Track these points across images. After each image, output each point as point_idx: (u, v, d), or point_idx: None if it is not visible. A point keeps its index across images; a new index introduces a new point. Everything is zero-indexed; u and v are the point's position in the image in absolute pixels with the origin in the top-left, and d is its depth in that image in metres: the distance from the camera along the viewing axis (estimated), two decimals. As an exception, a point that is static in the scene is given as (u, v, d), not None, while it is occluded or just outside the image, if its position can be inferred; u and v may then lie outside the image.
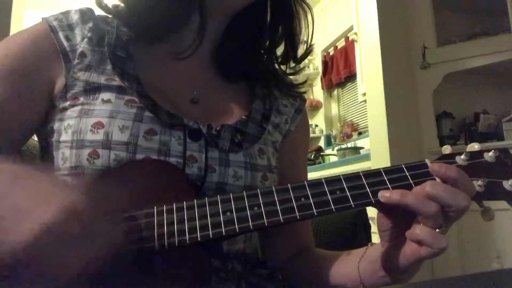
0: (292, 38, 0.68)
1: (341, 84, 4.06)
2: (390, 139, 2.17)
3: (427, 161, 0.48)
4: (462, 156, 0.48)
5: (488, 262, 1.94)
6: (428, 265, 2.05)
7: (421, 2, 2.36)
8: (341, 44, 3.96)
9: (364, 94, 2.86)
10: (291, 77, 0.73)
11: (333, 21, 4.03)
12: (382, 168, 0.47)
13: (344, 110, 4.11)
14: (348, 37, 3.81)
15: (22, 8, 2.39)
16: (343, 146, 3.51)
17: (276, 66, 0.70)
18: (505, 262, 1.89)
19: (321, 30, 4.25)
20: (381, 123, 2.23)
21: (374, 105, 2.34)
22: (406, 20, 2.37)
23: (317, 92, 4.38)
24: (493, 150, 0.48)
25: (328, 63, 4.15)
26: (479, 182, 0.45)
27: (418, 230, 0.43)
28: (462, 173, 0.45)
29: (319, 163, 3.57)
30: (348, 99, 4.02)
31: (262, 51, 0.70)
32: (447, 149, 0.50)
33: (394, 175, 0.46)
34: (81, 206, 0.36)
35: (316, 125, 4.27)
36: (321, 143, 4.06)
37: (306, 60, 4.39)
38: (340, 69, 3.90)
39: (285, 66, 0.71)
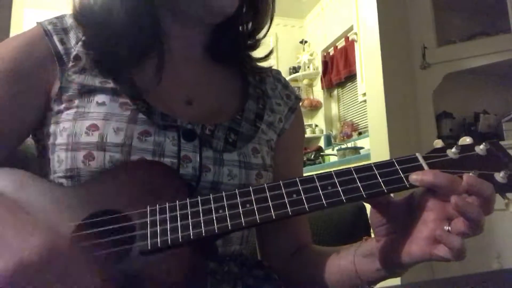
0: (257, 9, 0.67)
1: (341, 84, 4.06)
2: (390, 139, 2.17)
3: (417, 155, 0.48)
4: (453, 150, 0.48)
5: (488, 262, 1.94)
6: (428, 265, 2.04)
7: (421, 2, 2.36)
8: (341, 44, 3.96)
9: (364, 94, 2.87)
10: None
11: (333, 21, 4.03)
12: (373, 163, 0.47)
13: (344, 110, 4.11)
14: (348, 37, 3.81)
15: (22, 8, 2.39)
16: (343, 146, 3.51)
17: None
18: (505, 262, 1.89)
19: (321, 30, 4.25)
20: (381, 123, 2.23)
21: (374, 105, 2.34)
22: (406, 20, 2.37)
23: (317, 92, 4.38)
24: (484, 143, 0.48)
25: (328, 63, 4.15)
26: (470, 175, 0.44)
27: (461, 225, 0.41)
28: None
29: (319, 163, 3.57)
30: (348, 99, 4.02)
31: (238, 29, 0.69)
32: (438, 143, 0.50)
33: (385, 170, 0.46)
34: (63, 246, 0.36)
35: (316, 125, 4.26)
36: (321, 143, 4.06)
37: (306, 60, 4.41)
38: (340, 69, 3.90)
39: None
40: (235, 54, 0.69)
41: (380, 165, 0.47)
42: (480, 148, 0.48)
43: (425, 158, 0.47)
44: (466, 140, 0.49)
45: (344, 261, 0.56)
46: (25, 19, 2.43)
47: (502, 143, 0.49)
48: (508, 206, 0.45)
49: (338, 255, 0.58)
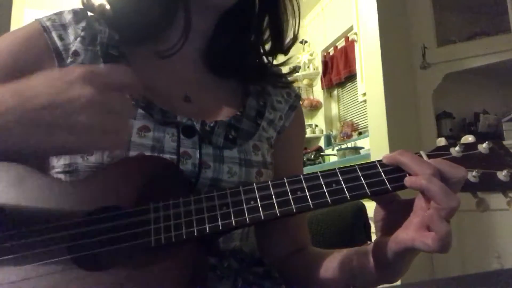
0: (278, 28, 0.67)
1: (341, 84, 4.06)
2: (390, 139, 2.17)
3: (422, 152, 0.48)
4: (457, 148, 0.48)
5: (488, 262, 1.94)
6: (428, 265, 2.05)
7: (421, 2, 2.36)
8: (341, 44, 3.96)
9: (364, 94, 2.86)
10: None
11: (333, 21, 4.03)
12: (378, 160, 0.48)
13: (344, 110, 4.10)
14: (348, 37, 3.81)
15: (22, 8, 2.39)
16: (343, 146, 3.51)
17: (264, 58, 0.70)
18: (505, 262, 1.89)
19: (321, 30, 4.25)
20: (381, 123, 2.23)
21: (374, 105, 2.34)
22: (406, 20, 2.37)
23: (317, 92, 4.38)
24: (487, 142, 0.49)
25: (328, 63, 4.15)
26: (473, 173, 0.45)
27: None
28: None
29: (319, 163, 3.57)
30: (348, 99, 4.01)
31: (252, 46, 0.69)
32: (441, 142, 0.50)
33: (390, 167, 0.47)
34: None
35: (316, 125, 4.26)
36: (321, 143, 4.06)
37: (306, 60, 4.39)
38: (340, 69, 3.90)
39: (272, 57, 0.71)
40: (230, 61, 0.68)
41: (384, 163, 0.47)
42: (483, 147, 0.48)
43: (429, 156, 0.48)
44: (469, 139, 0.50)
45: (344, 258, 0.55)
46: (25, 19, 2.43)
47: (502, 143, 0.50)
48: (510, 204, 0.46)
49: (336, 255, 0.58)
